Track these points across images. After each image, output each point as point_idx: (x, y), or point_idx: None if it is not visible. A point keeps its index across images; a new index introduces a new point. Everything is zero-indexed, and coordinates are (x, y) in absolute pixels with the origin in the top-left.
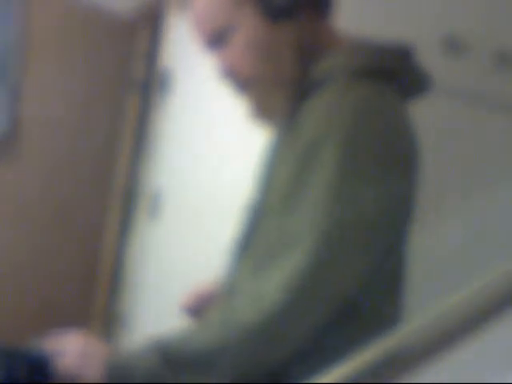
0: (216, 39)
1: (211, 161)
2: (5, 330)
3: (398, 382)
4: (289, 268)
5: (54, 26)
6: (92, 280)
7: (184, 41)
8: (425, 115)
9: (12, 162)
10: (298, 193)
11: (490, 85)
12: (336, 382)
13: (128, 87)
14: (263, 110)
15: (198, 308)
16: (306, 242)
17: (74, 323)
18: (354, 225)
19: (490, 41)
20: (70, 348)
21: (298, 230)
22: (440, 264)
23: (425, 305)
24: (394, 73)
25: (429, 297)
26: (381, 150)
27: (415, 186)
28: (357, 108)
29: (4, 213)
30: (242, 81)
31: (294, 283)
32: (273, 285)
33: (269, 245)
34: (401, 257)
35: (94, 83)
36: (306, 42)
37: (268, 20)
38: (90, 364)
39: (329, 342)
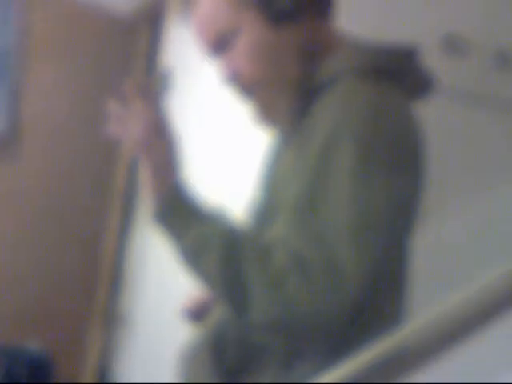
0: (219, 44)
1: (212, 161)
2: (5, 330)
3: (398, 382)
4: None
5: (54, 26)
6: (92, 280)
7: (184, 41)
8: (425, 115)
9: (12, 162)
10: (314, 201)
11: (490, 85)
12: (336, 381)
13: None
14: (268, 113)
15: (200, 313)
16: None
17: (74, 323)
18: (367, 225)
19: (490, 41)
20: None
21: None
22: (440, 264)
23: (425, 305)
24: (398, 73)
25: (429, 297)
26: (389, 149)
27: (422, 185)
28: (364, 109)
29: (4, 212)
30: (247, 85)
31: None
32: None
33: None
34: (403, 256)
35: (93, 83)
36: (309, 43)
37: (271, 23)
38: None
39: (329, 342)
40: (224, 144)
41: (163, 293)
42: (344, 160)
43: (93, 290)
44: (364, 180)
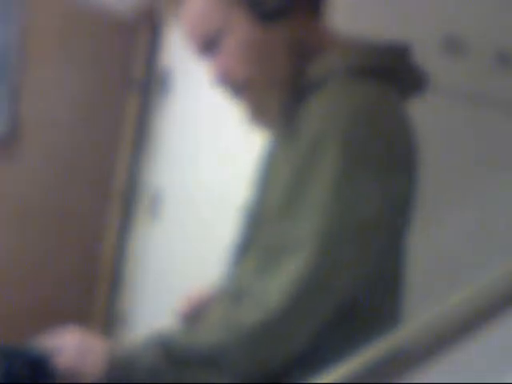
0: (208, 45)
1: (211, 160)
2: (5, 330)
3: (398, 382)
4: (292, 270)
5: (54, 26)
6: (92, 280)
7: (184, 41)
8: (425, 115)
9: (12, 162)
10: (299, 196)
11: (490, 85)
12: (336, 382)
13: (128, 87)
14: (259, 113)
15: (195, 314)
16: (308, 244)
17: (75, 323)
18: (355, 227)
19: (490, 41)
20: (67, 345)
21: (299, 233)
22: (440, 264)
23: (425, 305)
24: (391, 72)
25: (429, 297)
26: (380, 150)
27: (415, 185)
28: (355, 109)
29: (4, 212)
30: (237, 85)
31: (298, 285)
32: (277, 287)
33: (271, 247)
34: (400, 256)
35: (93, 83)
36: (299, 43)
37: (260, 22)
38: (89, 360)
39: (328, 342)
40: (223, 142)
41: (163, 293)
42: (328, 162)
43: (93, 290)
44: (348, 183)
